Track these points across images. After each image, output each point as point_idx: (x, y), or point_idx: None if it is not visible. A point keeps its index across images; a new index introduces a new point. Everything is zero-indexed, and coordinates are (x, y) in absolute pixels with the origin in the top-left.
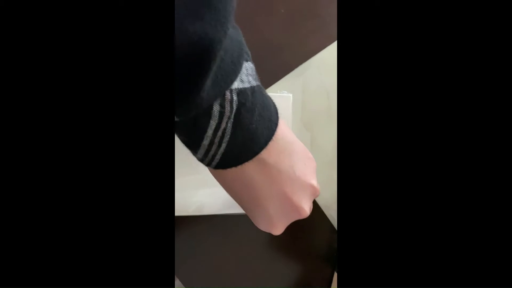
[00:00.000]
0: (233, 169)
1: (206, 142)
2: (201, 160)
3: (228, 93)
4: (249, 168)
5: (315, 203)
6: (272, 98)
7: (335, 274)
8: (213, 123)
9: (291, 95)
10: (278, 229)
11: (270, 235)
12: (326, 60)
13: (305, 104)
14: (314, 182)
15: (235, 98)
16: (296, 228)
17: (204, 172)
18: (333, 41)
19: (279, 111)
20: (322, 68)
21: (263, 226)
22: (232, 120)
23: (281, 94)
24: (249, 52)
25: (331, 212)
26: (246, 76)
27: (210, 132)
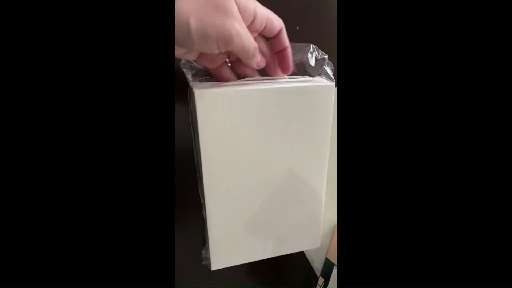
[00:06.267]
0: None
1: None
2: None
3: None
4: None
5: None
6: (311, 89)
7: None
8: None
9: (333, 83)
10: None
11: (248, 272)
12: None
13: None
14: None
15: None
16: (274, 265)
17: None
18: None
19: (319, 104)
20: None
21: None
22: None
23: (320, 83)
24: None
25: (310, 253)
26: None
27: None
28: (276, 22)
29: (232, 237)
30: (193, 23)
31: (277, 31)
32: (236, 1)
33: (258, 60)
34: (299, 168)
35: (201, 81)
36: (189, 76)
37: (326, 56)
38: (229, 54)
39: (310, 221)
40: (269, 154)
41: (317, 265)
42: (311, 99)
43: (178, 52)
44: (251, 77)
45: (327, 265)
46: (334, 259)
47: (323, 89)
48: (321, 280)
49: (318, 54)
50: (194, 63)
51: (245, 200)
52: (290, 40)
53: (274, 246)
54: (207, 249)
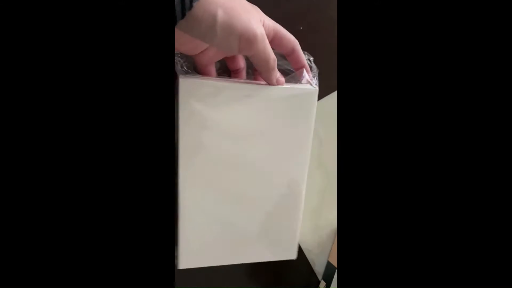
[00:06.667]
0: None
1: None
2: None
3: None
4: None
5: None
6: (295, 91)
7: None
8: None
9: (317, 88)
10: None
11: (250, 274)
12: (322, 110)
13: None
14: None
15: None
16: (275, 268)
17: None
18: (329, 93)
19: (301, 108)
20: (318, 117)
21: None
22: None
23: (304, 87)
24: None
25: (312, 256)
26: None
27: None
28: (286, 40)
29: (203, 237)
30: (220, 14)
31: (289, 49)
32: None
33: (278, 76)
34: (278, 174)
35: None
36: (178, 66)
37: (312, 58)
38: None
39: (286, 230)
40: (248, 154)
41: (319, 268)
42: (294, 102)
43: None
44: None
45: (329, 269)
46: (336, 262)
47: (306, 92)
48: (322, 284)
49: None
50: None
51: (220, 200)
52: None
53: (248, 252)
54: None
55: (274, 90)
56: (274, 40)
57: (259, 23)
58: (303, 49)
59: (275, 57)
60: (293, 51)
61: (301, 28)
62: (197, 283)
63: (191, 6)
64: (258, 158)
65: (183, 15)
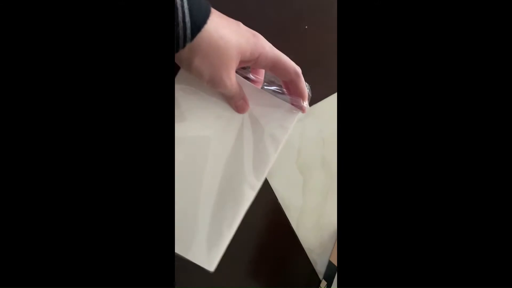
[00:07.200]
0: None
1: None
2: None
3: None
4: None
5: (299, 245)
6: (281, 104)
7: None
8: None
9: (299, 112)
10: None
11: (251, 273)
12: (326, 109)
13: (301, 149)
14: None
15: None
16: (277, 267)
17: None
18: (333, 92)
19: (280, 122)
20: (321, 117)
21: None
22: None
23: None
24: None
25: (314, 255)
26: None
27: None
28: (285, 72)
29: None
30: (195, 63)
31: (287, 79)
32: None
33: (238, 104)
34: (234, 179)
35: None
36: None
37: (309, 86)
38: None
39: (216, 238)
40: (217, 147)
41: (320, 268)
42: (277, 113)
43: None
44: None
45: (330, 268)
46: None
47: (290, 108)
48: (323, 283)
49: None
50: None
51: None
52: (299, 40)
53: (177, 242)
54: None
55: (264, 95)
56: (273, 70)
57: (229, 75)
58: (307, 48)
59: (236, 93)
60: (291, 82)
61: (306, 27)
62: (197, 283)
63: (184, 45)
64: (223, 154)
65: (177, 50)
